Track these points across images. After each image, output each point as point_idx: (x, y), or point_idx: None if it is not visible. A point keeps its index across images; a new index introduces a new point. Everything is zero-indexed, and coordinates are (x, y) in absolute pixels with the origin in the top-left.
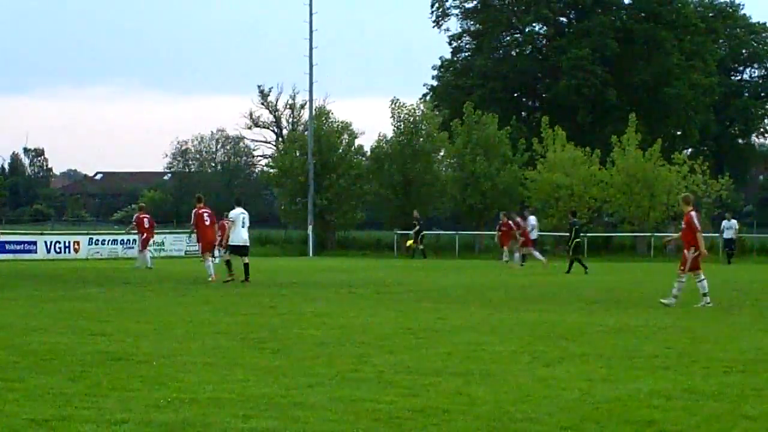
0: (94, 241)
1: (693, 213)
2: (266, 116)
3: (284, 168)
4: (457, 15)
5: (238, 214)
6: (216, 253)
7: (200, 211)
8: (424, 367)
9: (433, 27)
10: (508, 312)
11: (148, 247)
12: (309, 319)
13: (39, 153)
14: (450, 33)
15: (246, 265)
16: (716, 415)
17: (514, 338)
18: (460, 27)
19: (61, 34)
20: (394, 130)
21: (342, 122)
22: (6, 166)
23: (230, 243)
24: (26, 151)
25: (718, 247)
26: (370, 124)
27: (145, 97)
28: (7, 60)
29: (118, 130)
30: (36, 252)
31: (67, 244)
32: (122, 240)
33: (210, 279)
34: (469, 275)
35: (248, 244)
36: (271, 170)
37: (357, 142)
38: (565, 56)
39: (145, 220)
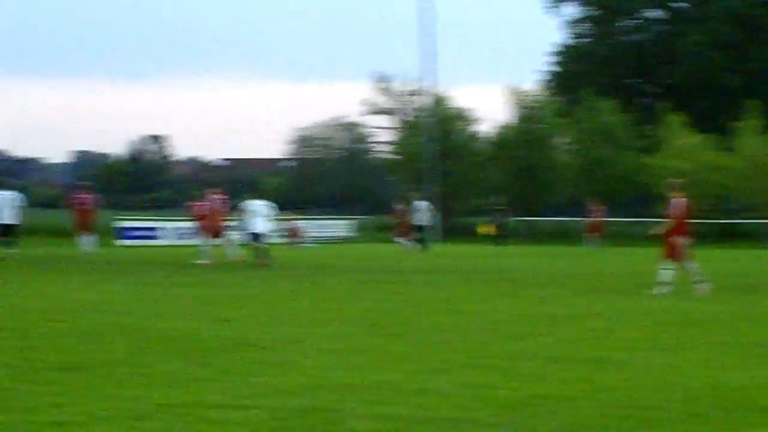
0: None
1: (680, 200)
2: (385, 103)
3: (404, 154)
4: (575, 1)
5: None
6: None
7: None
8: (548, 353)
9: (549, 13)
10: (635, 299)
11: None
12: (433, 305)
13: (161, 140)
14: (569, 19)
15: None
16: None
17: (640, 325)
18: (579, 13)
19: (179, 24)
20: (513, 116)
21: (461, 109)
22: (129, 153)
23: None
24: (149, 138)
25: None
26: (488, 110)
27: (265, 84)
28: (129, 48)
29: (239, 117)
30: (160, 238)
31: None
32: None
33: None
34: (594, 262)
35: None
36: (391, 157)
37: (476, 128)
38: (684, 42)
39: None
